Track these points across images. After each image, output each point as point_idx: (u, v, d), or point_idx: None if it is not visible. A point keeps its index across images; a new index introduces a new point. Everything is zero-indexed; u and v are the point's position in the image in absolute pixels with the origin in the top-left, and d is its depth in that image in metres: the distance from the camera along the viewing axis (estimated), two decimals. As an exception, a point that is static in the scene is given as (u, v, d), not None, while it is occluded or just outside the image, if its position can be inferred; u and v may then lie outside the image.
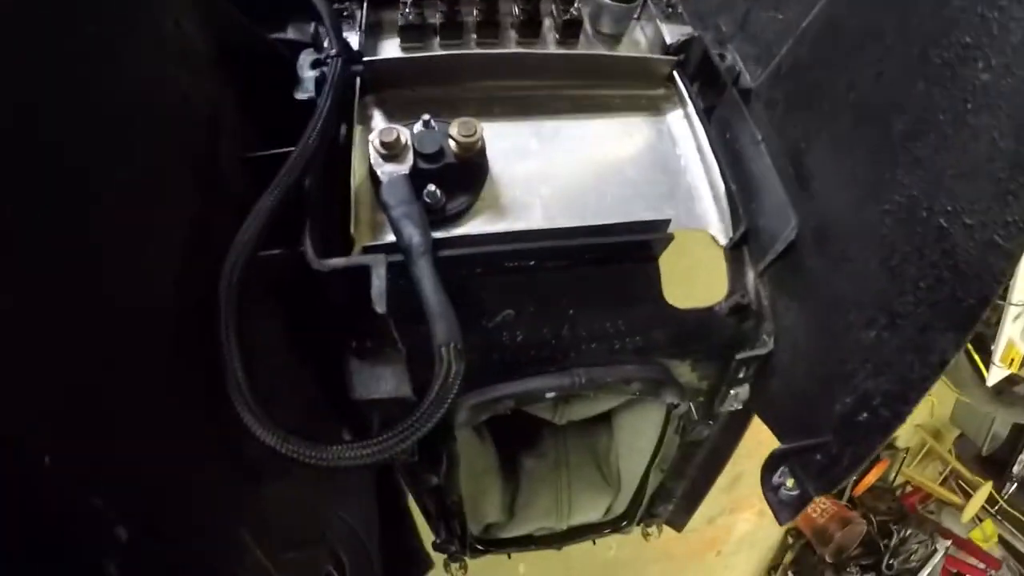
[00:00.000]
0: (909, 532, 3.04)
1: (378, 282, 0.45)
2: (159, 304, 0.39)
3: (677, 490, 0.83)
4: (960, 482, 3.35)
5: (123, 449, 0.36)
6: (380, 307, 0.44)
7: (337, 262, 0.46)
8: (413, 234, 0.49)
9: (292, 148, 0.48)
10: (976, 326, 0.42)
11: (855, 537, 2.96)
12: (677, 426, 0.66)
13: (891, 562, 2.97)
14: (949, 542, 3.13)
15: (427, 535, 0.83)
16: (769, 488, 0.59)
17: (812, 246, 0.55)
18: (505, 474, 0.84)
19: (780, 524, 0.59)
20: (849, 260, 0.51)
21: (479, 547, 0.85)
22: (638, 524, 0.87)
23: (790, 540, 3.32)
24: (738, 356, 0.59)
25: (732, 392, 0.63)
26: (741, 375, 0.61)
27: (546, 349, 0.58)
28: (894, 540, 3.02)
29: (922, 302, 0.45)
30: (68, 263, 0.32)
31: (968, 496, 3.21)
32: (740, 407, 0.65)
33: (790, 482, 0.57)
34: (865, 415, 0.49)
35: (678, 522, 0.90)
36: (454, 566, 0.88)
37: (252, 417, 0.39)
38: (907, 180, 0.47)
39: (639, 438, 0.75)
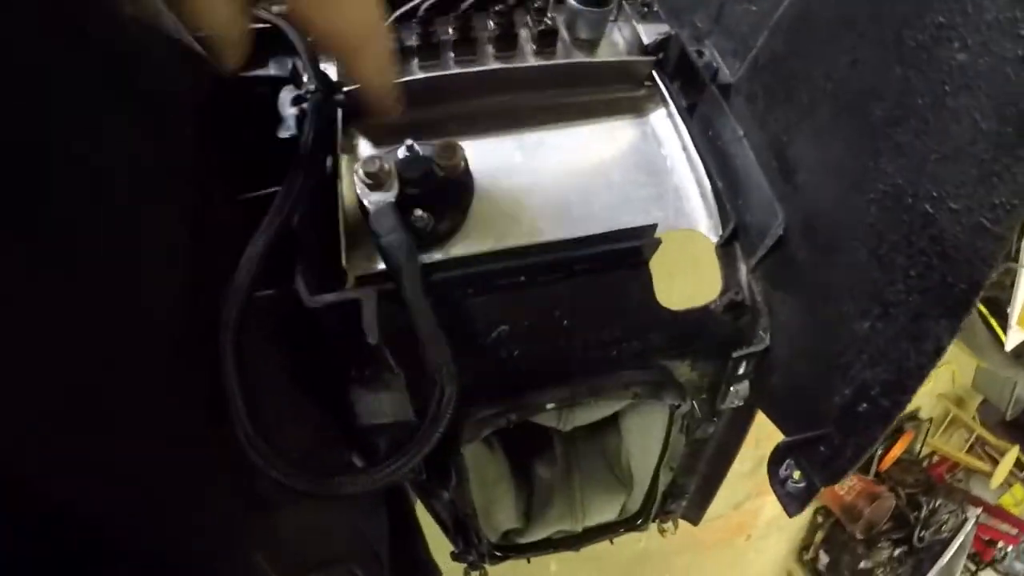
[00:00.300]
0: (939, 503, 2.99)
1: (369, 314, 0.45)
2: (160, 306, 0.39)
3: (689, 486, 0.82)
4: (986, 448, 3.29)
5: (123, 449, 0.36)
6: (372, 338, 0.44)
7: (328, 298, 0.46)
8: (402, 262, 0.49)
9: (279, 188, 0.48)
10: (970, 311, 0.41)
11: (884, 512, 2.91)
12: (681, 425, 0.65)
13: (922, 534, 2.92)
14: (979, 510, 3.07)
15: (438, 544, 0.83)
16: (776, 481, 0.59)
17: (801, 239, 0.54)
18: (518, 481, 0.83)
19: (789, 516, 0.58)
20: (838, 251, 0.50)
21: (498, 554, 0.84)
22: (653, 521, 0.86)
23: (819, 519, 3.28)
24: (735, 354, 0.58)
25: (732, 389, 0.62)
26: (740, 372, 0.60)
27: (543, 362, 0.57)
28: (924, 512, 2.96)
29: (913, 290, 0.44)
30: (73, 265, 0.32)
31: (995, 462, 3.14)
32: (742, 403, 0.64)
33: (796, 474, 0.56)
34: (865, 405, 0.48)
35: (693, 516, 0.89)
36: (475, 574, 0.88)
37: (257, 455, 0.39)
38: (890, 168, 0.46)
39: (647, 438, 0.74)
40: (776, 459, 0.58)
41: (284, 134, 0.55)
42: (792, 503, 0.57)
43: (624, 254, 0.58)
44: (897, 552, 2.98)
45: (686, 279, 0.65)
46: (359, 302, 0.45)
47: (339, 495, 0.40)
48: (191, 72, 0.50)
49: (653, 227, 0.57)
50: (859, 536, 2.96)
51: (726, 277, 0.61)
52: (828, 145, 0.51)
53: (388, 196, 0.54)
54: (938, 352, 0.43)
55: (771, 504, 3.02)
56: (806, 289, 0.54)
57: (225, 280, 0.42)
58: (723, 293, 0.60)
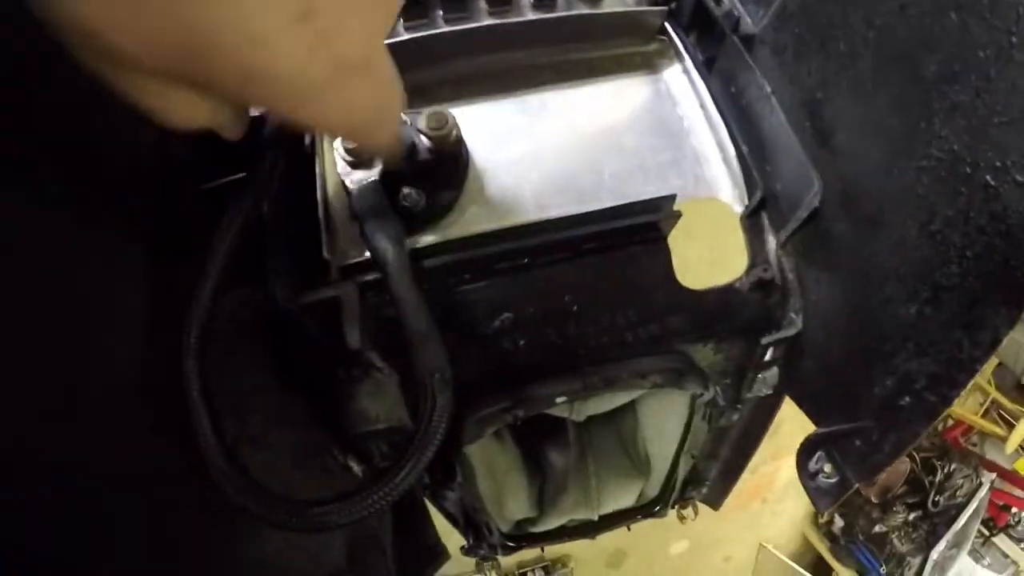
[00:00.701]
0: (953, 467, 3.03)
1: (349, 314, 0.41)
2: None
3: (710, 471, 0.80)
4: (1001, 412, 3.30)
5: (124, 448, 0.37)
6: (353, 341, 0.41)
7: (305, 298, 0.43)
8: (387, 249, 0.45)
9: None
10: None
11: (899, 476, 2.95)
12: (704, 413, 0.63)
13: (937, 499, 2.96)
14: (994, 475, 3.11)
15: (447, 536, 0.82)
16: (807, 475, 0.56)
17: (839, 211, 0.50)
18: (530, 470, 0.82)
19: (819, 511, 0.56)
20: (882, 225, 0.46)
21: (511, 544, 0.83)
22: (672, 507, 0.85)
23: (832, 483, 3.32)
24: (764, 340, 0.55)
25: (760, 376, 0.59)
26: (768, 357, 0.57)
27: (552, 350, 0.54)
28: (939, 476, 3.00)
29: (969, 273, 0.40)
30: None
31: (1010, 426, 3.16)
32: (770, 392, 0.61)
33: (828, 468, 0.54)
34: (907, 399, 0.45)
35: (714, 501, 0.87)
36: (486, 565, 0.87)
37: (232, 489, 0.36)
38: (945, 131, 0.41)
39: (665, 424, 0.72)
40: (807, 450, 0.55)
41: (255, 111, 0.50)
42: (822, 498, 0.54)
43: (640, 229, 0.54)
44: (911, 516, 3.04)
45: (708, 254, 0.61)
46: (339, 300, 0.42)
47: (320, 528, 0.37)
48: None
49: (672, 198, 0.53)
50: (874, 500, 3.01)
51: (752, 252, 0.57)
52: (871, 103, 0.47)
53: (372, 174, 0.50)
54: (994, 344, 0.39)
55: (787, 468, 3.05)
56: (844, 267, 0.50)
57: (192, 281, 0.39)
58: (749, 270, 0.56)
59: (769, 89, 0.55)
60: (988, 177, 0.38)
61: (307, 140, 0.55)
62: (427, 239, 0.52)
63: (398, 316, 0.43)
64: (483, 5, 0.63)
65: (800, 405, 0.58)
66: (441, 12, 0.62)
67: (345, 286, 0.43)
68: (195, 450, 0.37)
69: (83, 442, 0.35)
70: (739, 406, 0.64)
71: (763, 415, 0.68)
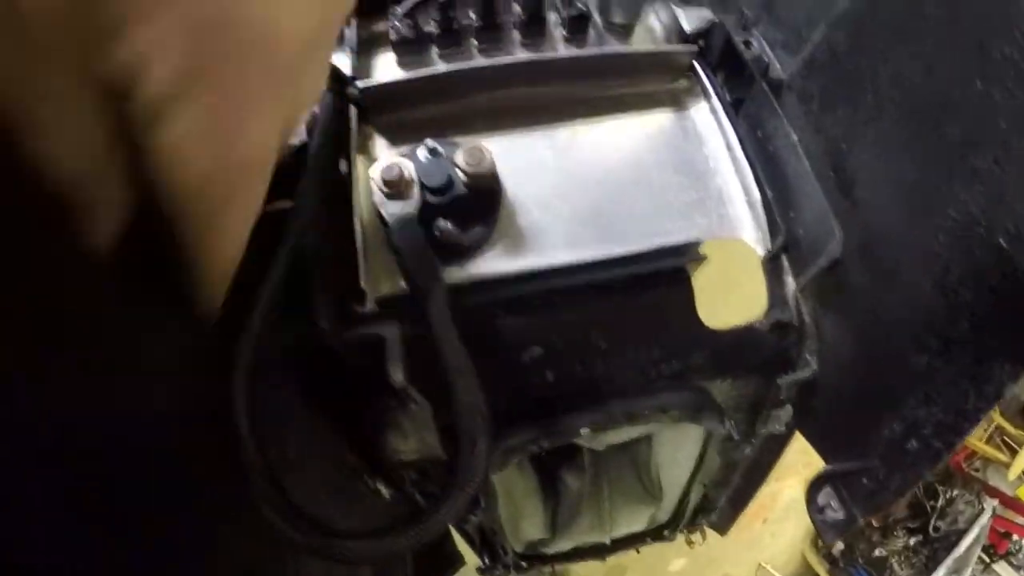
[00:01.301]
0: (955, 493, 3.06)
1: (393, 353, 0.44)
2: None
3: (720, 499, 0.83)
4: (1005, 438, 3.33)
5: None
6: (397, 379, 0.43)
7: (350, 336, 0.46)
8: (428, 288, 0.48)
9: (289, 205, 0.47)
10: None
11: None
12: (718, 446, 0.66)
13: (938, 524, 3.00)
14: (996, 501, 3.14)
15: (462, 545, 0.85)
16: (815, 508, 0.60)
17: (858, 260, 0.53)
18: (545, 493, 0.85)
19: (825, 543, 0.60)
20: (899, 279, 0.50)
21: (523, 564, 0.87)
22: (681, 532, 0.88)
23: (833, 504, 3.35)
24: (780, 380, 0.58)
25: (774, 413, 0.62)
26: (783, 396, 0.61)
27: (579, 384, 0.57)
28: (940, 501, 3.04)
29: (979, 329, 0.43)
30: None
31: (1013, 452, 3.19)
32: (783, 429, 0.64)
33: (835, 503, 0.58)
34: (914, 443, 0.49)
35: (722, 526, 0.91)
36: (499, 583, 0.90)
37: (277, 517, 0.39)
38: (963, 194, 0.45)
39: (679, 452, 0.75)
40: (815, 486, 0.59)
41: (293, 140, 0.53)
42: (829, 532, 0.58)
43: (666, 272, 0.57)
44: (912, 541, 3.07)
45: (730, 294, 0.64)
46: (383, 339, 0.45)
47: (354, 560, 0.39)
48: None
49: (697, 244, 0.56)
50: (875, 524, 3.04)
51: (772, 294, 0.60)
52: (894, 160, 0.50)
53: (409, 206, 0.53)
54: (998, 396, 0.43)
55: (788, 489, 3.08)
56: (859, 315, 0.54)
57: (237, 312, 0.41)
58: (768, 311, 0.60)
59: (795, 138, 0.58)
60: (1002, 240, 0.42)
61: (343, 167, 0.57)
62: (461, 274, 0.55)
63: (436, 353, 0.46)
64: (516, 36, 0.67)
65: (811, 442, 0.62)
66: (476, 42, 0.66)
67: (389, 325, 0.46)
68: (235, 470, 0.39)
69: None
70: (752, 440, 0.68)
71: (774, 448, 0.71)
